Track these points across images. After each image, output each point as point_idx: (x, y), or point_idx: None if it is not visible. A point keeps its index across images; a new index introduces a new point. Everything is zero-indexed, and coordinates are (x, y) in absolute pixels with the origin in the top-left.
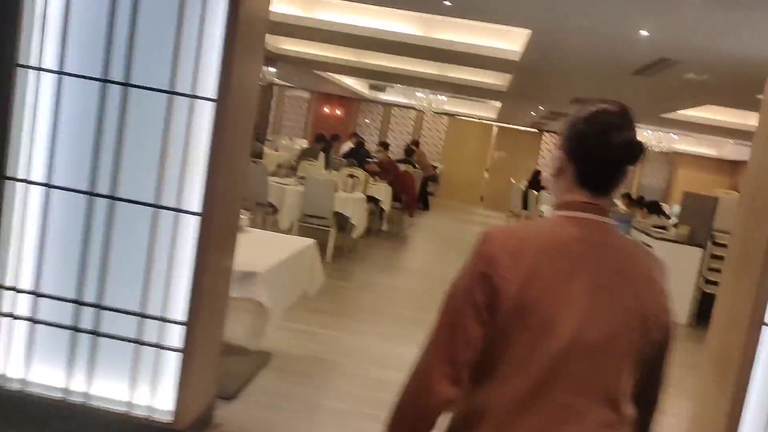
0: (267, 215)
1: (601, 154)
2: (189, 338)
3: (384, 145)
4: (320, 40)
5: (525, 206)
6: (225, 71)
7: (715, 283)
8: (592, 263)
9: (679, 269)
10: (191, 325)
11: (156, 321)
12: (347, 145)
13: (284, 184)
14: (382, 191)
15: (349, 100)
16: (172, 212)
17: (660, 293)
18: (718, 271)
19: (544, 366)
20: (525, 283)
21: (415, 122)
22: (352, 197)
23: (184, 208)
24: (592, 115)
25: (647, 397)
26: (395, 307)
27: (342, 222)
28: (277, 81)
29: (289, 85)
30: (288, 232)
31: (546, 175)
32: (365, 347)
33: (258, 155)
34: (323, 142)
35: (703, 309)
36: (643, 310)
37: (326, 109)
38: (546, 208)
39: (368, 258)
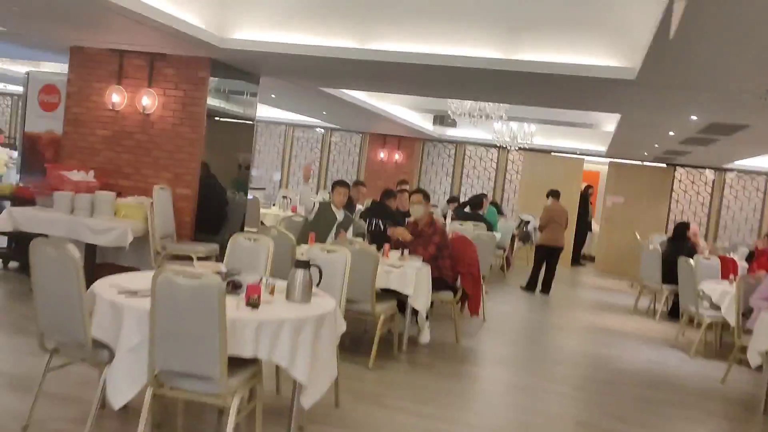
0: None
1: None
2: None
3: (424, 195)
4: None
5: (668, 278)
6: None
7: None
8: None
9: None
10: None
11: None
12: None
13: None
14: (410, 277)
15: (410, 141)
16: None
17: None
18: None
19: None
20: None
21: (497, 163)
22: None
23: None
24: None
25: None
26: None
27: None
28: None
29: (333, 126)
30: None
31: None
32: None
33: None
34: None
35: None
36: None
37: (382, 154)
38: (713, 287)
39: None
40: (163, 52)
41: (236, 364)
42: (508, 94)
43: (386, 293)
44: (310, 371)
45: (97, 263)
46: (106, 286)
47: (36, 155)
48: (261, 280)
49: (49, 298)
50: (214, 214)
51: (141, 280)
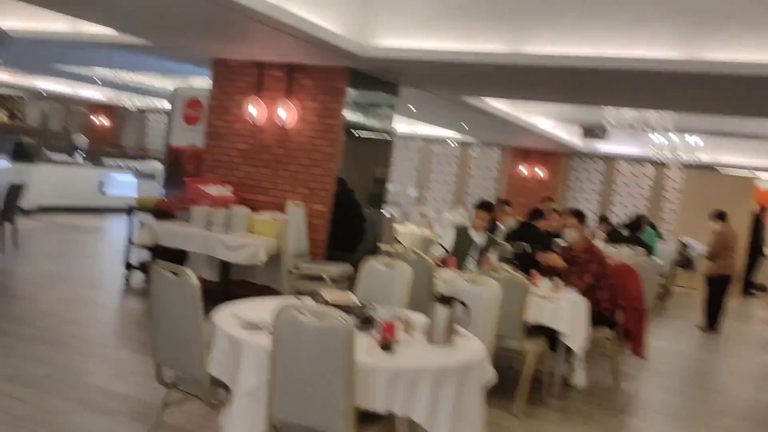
0: None
1: None
2: None
3: (578, 216)
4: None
5: None
6: None
7: None
8: None
9: None
10: None
11: None
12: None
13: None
14: (566, 312)
15: (555, 155)
16: None
17: None
18: None
19: None
20: None
21: (654, 181)
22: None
23: None
24: None
25: None
26: None
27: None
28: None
29: (472, 141)
30: None
31: None
32: None
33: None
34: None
35: None
36: None
37: (523, 169)
38: None
39: None
40: (302, 63)
41: (367, 416)
42: (683, 102)
43: (535, 327)
44: None
45: (232, 280)
46: (227, 315)
47: (178, 169)
48: (397, 315)
49: (167, 328)
50: (349, 232)
51: (265, 310)
